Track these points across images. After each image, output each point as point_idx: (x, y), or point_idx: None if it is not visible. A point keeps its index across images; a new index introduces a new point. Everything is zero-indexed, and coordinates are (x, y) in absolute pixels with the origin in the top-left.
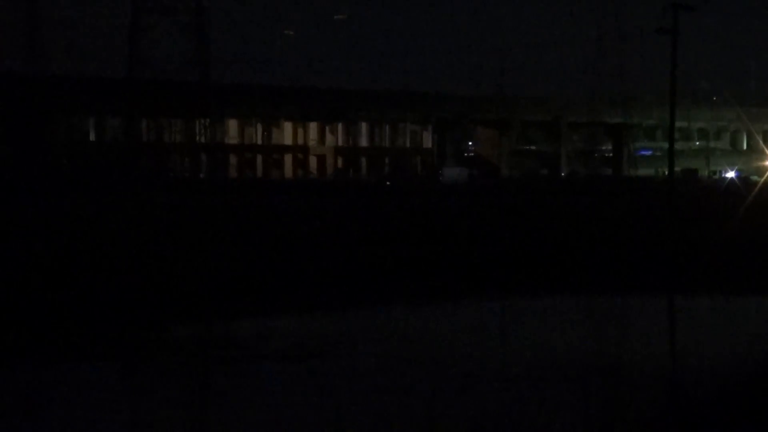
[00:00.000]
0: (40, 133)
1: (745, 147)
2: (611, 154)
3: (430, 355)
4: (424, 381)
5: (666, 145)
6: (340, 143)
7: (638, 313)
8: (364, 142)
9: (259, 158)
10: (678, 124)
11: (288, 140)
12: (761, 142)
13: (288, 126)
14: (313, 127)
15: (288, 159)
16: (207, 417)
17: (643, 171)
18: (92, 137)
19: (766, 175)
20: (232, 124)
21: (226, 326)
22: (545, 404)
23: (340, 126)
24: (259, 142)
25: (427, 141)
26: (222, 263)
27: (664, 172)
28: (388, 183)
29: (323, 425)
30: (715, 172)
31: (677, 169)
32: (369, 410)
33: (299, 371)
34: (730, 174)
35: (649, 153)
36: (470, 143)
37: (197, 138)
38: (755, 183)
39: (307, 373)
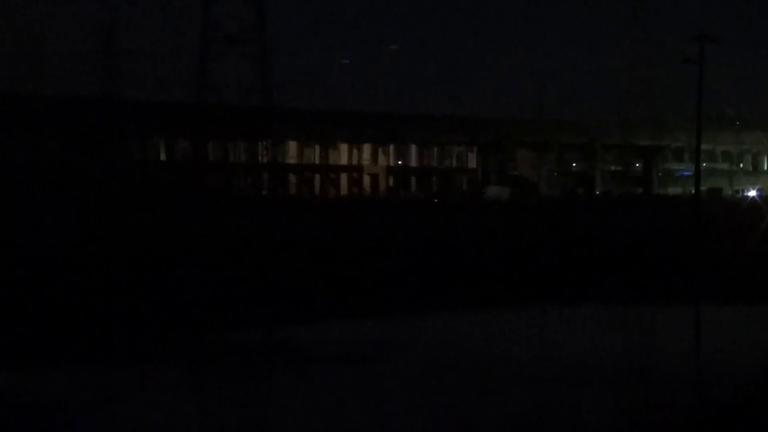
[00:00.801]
0: (117, 152)
1: (766, 168)
2: (641, 174)
3: (474, 359)
4: (470, 382)
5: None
6: (391, 163)
7: (667, 321)
8: (413, 162)
9: (317, 177)
10: (703, 146)
11: (344, 160)
12: None
13: (344, 147)
14: (366, 148)
15: (343, 178)
16: (271, 412)
17: (672, 190)
18: (162, 157)
19: None
20: (292, 146)
21: (284, 332)
22: (582, 404)
23: (391, 147)
24: (317, 162)
25: (472, 162)
26: (280, 272)
27: (691, 191)
28: (435, 200)
29: (380, 420)
30: (738, 191)
31: (703, 188)
32: (420, 409)
33: (352, 373)
34: (752, 193)
35: (688, 173)
36: (512, 164)
37: (259, 158)
38: None
39: (360, 374)
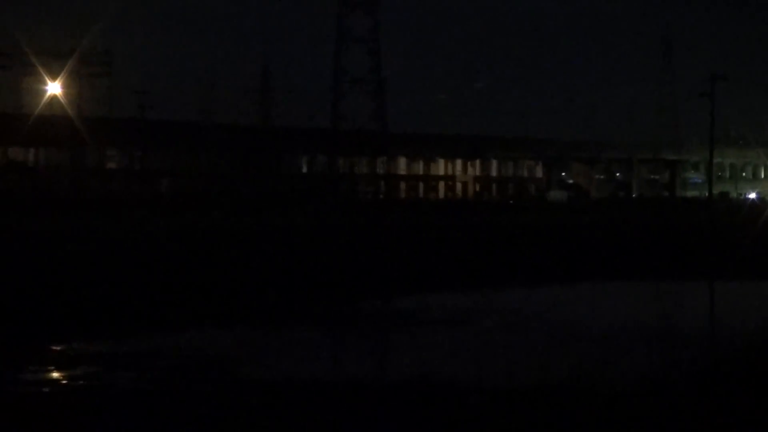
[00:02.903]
0: (271, 167)
1: (762, 176)
2: (668, 181)
3: (540, 321)
4: (535, 335)
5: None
6: (477, 174)
7: (688, 293)
8: (494, 173)
9: (421, 185)
10: (715, 159)
11: (441, 172)
12: None
13: (441, 162)
14: (458, 162)
15: (441, 185)
16: (404, 353)
17: (690, 193)
18: (304, 170)
19: None
20: (402, 161)
21: (398, 302)
22: (621, 356)
23: (477, 162)
24: (421, 173)
25: (539, 172)
26: (394, 256)
27: (705, 194)
28: (511, 202)
29: (473, 357)
30: (741, 194)
31: (714, 191)
32: (498, 351)
33: (451, 330)
34: (752, 195)
35: (700, 181)
36: (569, 174)
37: (377, 170)
38: None
39: (456, 331)
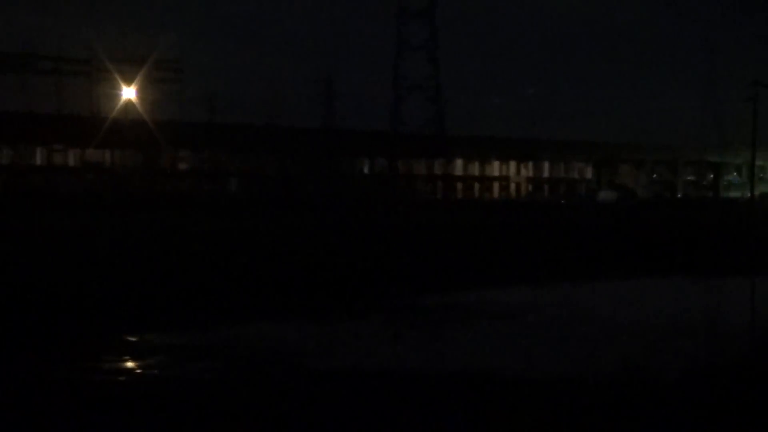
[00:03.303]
0: (335, 167)
1: None
2: (711, 182)
3: (591, 315)
4: (587, 329)
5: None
6: (530, 174)
7: (731, 289)
8: (546, 174)
9: (477, 185)
10: (756, 162)
11: (495, 173)
12: None
13: (496, 163)
14: (512, 164)
15: (495, 185)
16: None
17: (733, 194)
18: (366, 170)
19: None
20: (459, 162)
21: (455, 296)
22: (667, 348)
23: (530, 163)
24: (477, 173)
25: (588, 173)
26: (452, 252)
27: (746, 195)
28: (562, 201)
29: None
30: None
31: (756, 192)
32: (551, 344)
33: (505, 323)
34: None
35: (736, 181)
36: (617, 175)
37: (435, 171)
38: None
39: (510, 324)
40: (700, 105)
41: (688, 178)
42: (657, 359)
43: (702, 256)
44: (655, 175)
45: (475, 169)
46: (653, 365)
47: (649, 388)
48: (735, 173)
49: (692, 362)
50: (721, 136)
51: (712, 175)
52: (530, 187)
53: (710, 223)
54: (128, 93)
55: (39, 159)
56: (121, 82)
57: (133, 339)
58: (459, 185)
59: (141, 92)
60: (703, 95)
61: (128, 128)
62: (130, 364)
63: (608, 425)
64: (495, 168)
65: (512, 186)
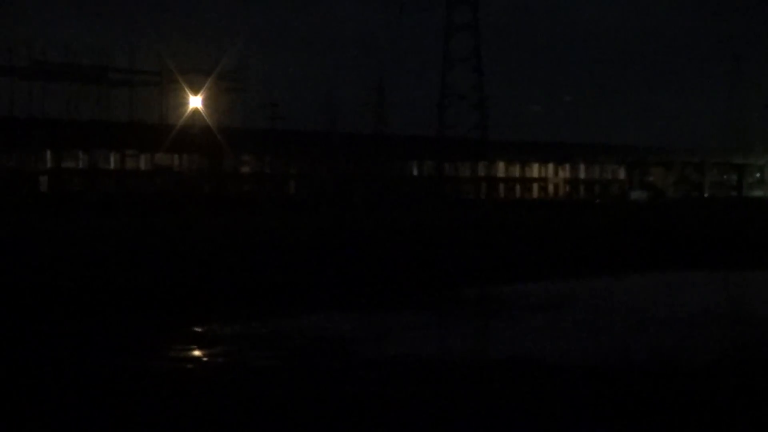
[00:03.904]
0: (382, 171)
1: None
2: (736, 183)
3: (624, 306)
4: (620, 319)
5: None
6: (567, 176)
7: (756, 281)
8: (582, 175)
9: (517, 186)
10: None
11: (535, 174)
12: None
13: (535, 166)
14: (550, 166)
15: (534, 186)
16: (503, 334)
17: (756, 193)
18: (415, 173)
19: None
20: (501, 165)
21: (498, 289)
22: (698, 337)
23: (567, 165)
24: (517, 175)
25: (621, 174)
26: (494, 248)
27: None
28: (597, 201)
29: (564, 338)
30: None
31: None
32: (586, 333)
33: (543, 314)
34: None
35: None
36: (648, 176)
37: (479, 173)
38: None
39: (548, 315)
40: (725, 110)
41: (715, 178)
42: (687, 348)
43: (728, 251)
44: (679, 177)
45: (515, 171)
46: (684, 353)
47: (682, 372)
48: (758, 174)
49: (722, 350)
50: (744, 139)
51: (736, 176)
52: (567, 188)
53: (735, 221)
54: (195, 102)
55: (113, 163)
56: (188, 91)
57: (199, 330)
58: (501, 186)
59: (207, 101)
60: (727, 101)
61: (195, 135)
62: (197, 353)
63: (641, 407)
64: (534, 170)
65: (550, 187)
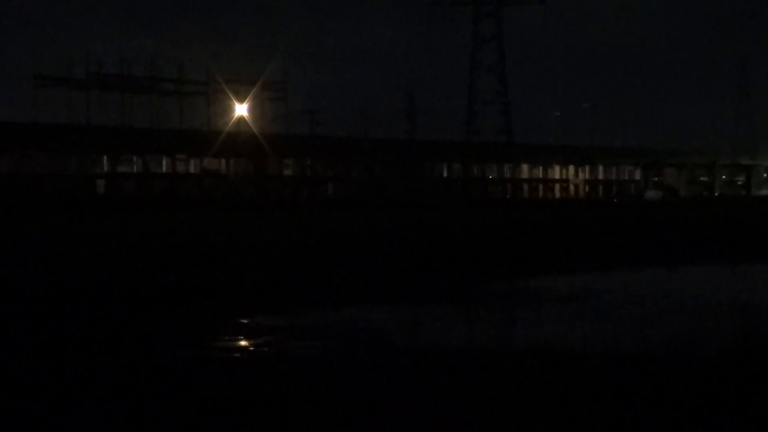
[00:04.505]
0: (414, 173)
1: None
2: (744, 182)
3: (643, 298)
4: (639, 309)
5: None
6: (587, 177)
7: (766, 274)
8: (600, 176)
9: (540, 186)
10: None
11: (557, 176)
12: None
13: (557, 167)
14: (571, 167)
15: (556, 187)
16: (523, 328)
17: (764, 192)
18: (445, 174)
19: None
20: (525, 167)
21: (524, 282)
22: (715, 326)
23: (587, 167)
24: (540, 176)
25: (637, 175)
26: (520, 244)
27: None
28: (615, 200)
29: (588, 326)
30: None
31: None
32: (607, 323)
33: (568, 305)
34: None
35: None
36: (662, 176)
37: (505, 174)
38: None
39: (573, 306)
40: (733, 114)
41: (723, 178)
42: (705, 336)
43: (738, 245)
44: (691, 177)
45: (539, 173)
46: (703, 341)
47: (698, 360)
48: (765, 175)
49: (734, 339)
50: (753, 141)
51: (745, 176)
52: (587, 188)
53: (744, 218)
54: (240, 110)
55: (164, 167)
56: (234, 100)
57: (245, 321)
58: (525, 187)
59: (251, 109)
60: (736, 106)
61: (240, 140)
62: (243, 343)
63: (663, 394)
64: (556, 171)
65: (571, 187)
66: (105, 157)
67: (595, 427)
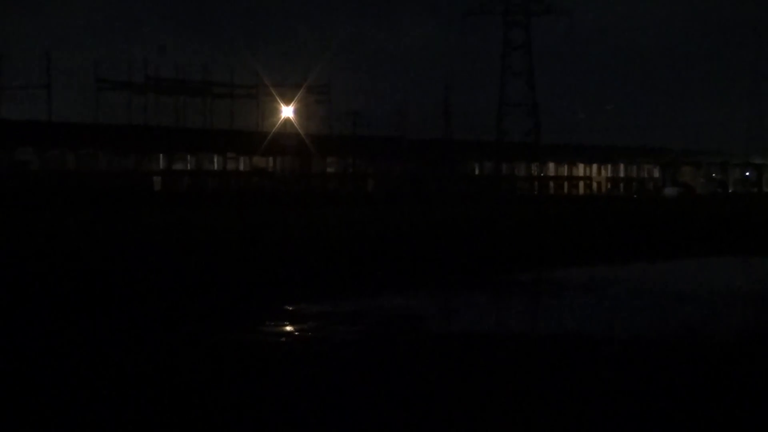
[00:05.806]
0: (448, 171)
1: None
2: (756, 180)
3: (659, 287)
4: (655, 297)
5: None
6: (609, 175)
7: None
8: (622, 174)
9: (566, 183)
10: None
11: (581, 173)
12: None
13: (581, 165)
14: (594, 166)
15: (580, 184)
16: (554, 309)
17: None
18: (476, 172)
19: None
20: (551, 165)
21: (549, 273)
22: (725, 315)
23: (609, 165)
24: (565, 174)
25: (656, 173)
26: (547, 237)
27: None
28: (635, 196)
29: (604, 313)
30: None
31: None
32: (624, 311)
33: (589, 294)
34: None
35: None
36: (679, 175)
37: (532, 172)
38: None
39: (593, 295)
40: (746, 114)
41: (738, 176)
42: (719, 323)
43: (751, 238)
44: (706, 175)
45: (564, 171)
46: (717, 327)
47: (710, 345)
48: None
49: (745, 325)
50: (765, 141)
51: (756, 174)
52: (609, 185)
53: (757, 213)
54: (287, 111)
55: (216, 165)
56: (281, 102)
57: (290, 308)
58: (551, 184)
59: (297, 110)
60: (749, 107)
61: (287, 140)
62: (288, 328)
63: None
64: (580, 170)
65: (594, 184)
66: (161, 155)
67: (617, 406)
